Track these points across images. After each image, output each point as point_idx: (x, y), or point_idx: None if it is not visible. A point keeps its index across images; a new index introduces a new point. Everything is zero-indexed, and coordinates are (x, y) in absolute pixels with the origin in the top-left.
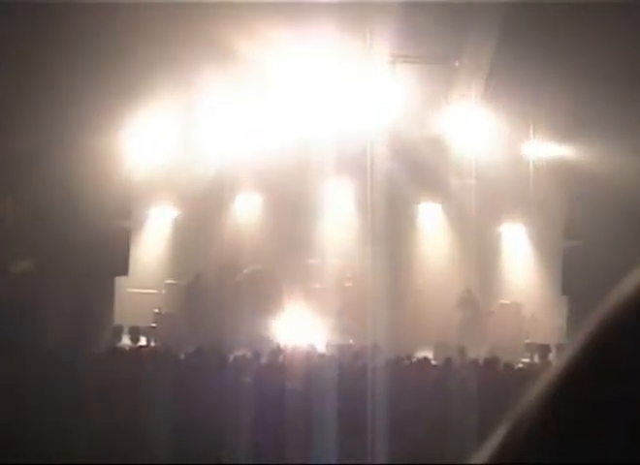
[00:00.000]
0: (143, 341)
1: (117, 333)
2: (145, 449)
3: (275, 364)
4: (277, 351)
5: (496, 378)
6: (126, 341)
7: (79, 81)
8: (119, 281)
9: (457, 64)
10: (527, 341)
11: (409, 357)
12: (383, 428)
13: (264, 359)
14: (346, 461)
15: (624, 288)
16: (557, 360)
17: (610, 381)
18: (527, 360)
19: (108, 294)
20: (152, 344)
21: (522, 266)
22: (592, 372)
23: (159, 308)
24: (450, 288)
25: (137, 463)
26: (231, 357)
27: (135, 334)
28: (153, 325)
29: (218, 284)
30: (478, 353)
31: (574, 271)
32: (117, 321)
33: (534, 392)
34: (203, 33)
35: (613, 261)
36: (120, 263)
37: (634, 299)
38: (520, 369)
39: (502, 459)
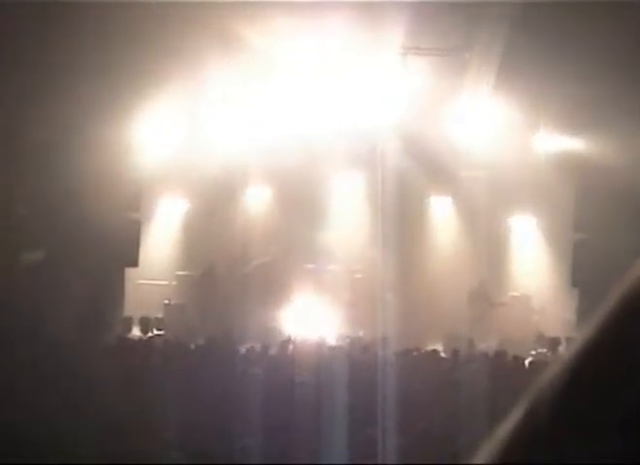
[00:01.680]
0: (153, 332)
1: (128, 324)
2: (155, 439)
3: (285, 356)
4: (287, 342)
5: (506, 370)
6: (136, 332)
7: (88, 74)
8: (130, 272)
9: (468, 56)
10: (536, 333)
11: (419, 350)
12: (393, 420)
13: (273, 351)
14: (356, 453)
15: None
16: (573, 342)
17: (628, 358)
18: (536, 353)
19: (118, 286)
20: (162, 335)
21: (532, 259)
22: (609, 350)
23: (169, 299)
24: (460, 280)
25: (146, 453)
26: (240, 349)
27: (145, 325)
28: (163, 316)
29: (228, 275)
30: (488, 345)
31: (584, 264)
32: (128, 312)
33: (551, 373)
34: (214, 25)
35: (623, 253)
36: (131, 254)
37: None
38: (530, 362)
39: (521, 440)
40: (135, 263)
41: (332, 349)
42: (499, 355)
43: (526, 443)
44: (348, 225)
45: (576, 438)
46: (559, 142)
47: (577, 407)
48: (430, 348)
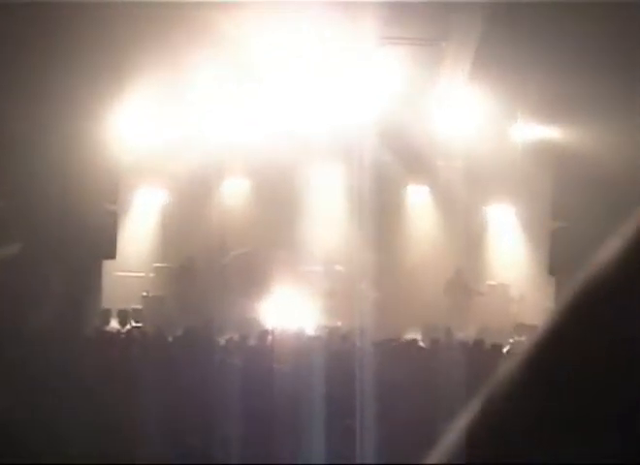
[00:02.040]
0: (131, 324)
1: (106, 317)
2: (134, 431)
3: (263, 346)
4: (265, 333)
5: (485, 359)
6: (114, 324)
7: (65, 69)
8: (107, 264)
9: (444, 45)
10: (515, 322)
11: (397, 339)
12: (371, 410)
13: (252, 342)
14: (335, 442)
15: (603, 255)
16: (533, 333)
17: (589, 346)
18: (515, 341)
19: (95, 278)
20: (141, 327)
21: (509, 247)
22: (570, 338)
23: (147, 291)
24: (438, 270)
25: (125, 446)
26: (219, 340)
27: (123, 317)
28: (141, 307)
29: (206, 267)
30: (466, 334)
31: (562, 252)
32: (105, 304)
33: (509, 365)
34: (193, 20)
35: (600, 241)
36: (108, 246)
37: (617, 263)
38: (508, 350)
39: (475, 438)
40: (112, 255)
41: (310, 339)
42: (478, 343)
43: (480, 441)
44: (326, 216)
45: (534, 436)
46: (536, 131)
47: (535, 401)
48: (408, 337)
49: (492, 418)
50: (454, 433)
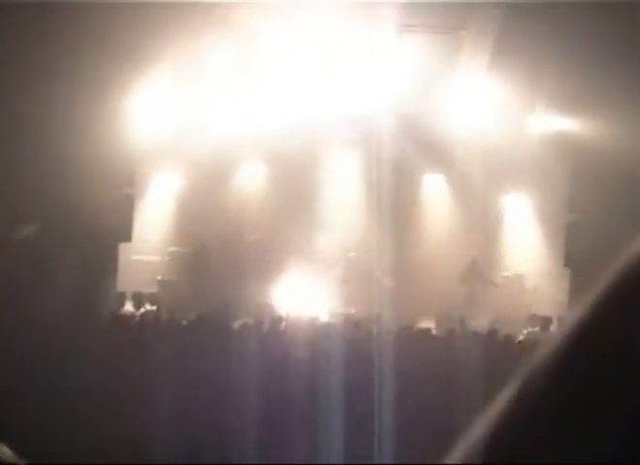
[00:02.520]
0: (145, 307)
1: (121, 300)
2: (147, 414)
3: (277, 332)
4: (279, 319)
5: (498, 349)
6: (129, 307)
7: (83, 49)
8: (123, 248)
9: (463, 34)
10: (529, 313)
11: (411, 328)
12: (385, 397)
13: (266, 327)
14: (349, 429)
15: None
16: (566, 321)
17: (624, 338)
18: (528, 332)
19: (111, 261)
20: (155, 311)
21: (525, 239)
22: (604, 330)
23: (162, 275)
24: (453, 259)
25: (139, 429)
26: (233, 325)
27: (138, 301)
28: (156, 291)
29: (222, 252)
30: (480, 324)
31: (577, 244)
32: (120, 287)
33: (541, 355)
34: (212, 9)
35: (616, 234)
36: (124, 230)
37: None
38: (521, 341)
39: (508, 427)
40: (128, 239)
41: (324, 326)
42: (491, 334)
43: (513, 431)
44: (342, 203)
45: (567, 428)
46: (554, 123)
47: (567, 394)
48: (422, 326)
49: (522, 410)
50: (484, 423)
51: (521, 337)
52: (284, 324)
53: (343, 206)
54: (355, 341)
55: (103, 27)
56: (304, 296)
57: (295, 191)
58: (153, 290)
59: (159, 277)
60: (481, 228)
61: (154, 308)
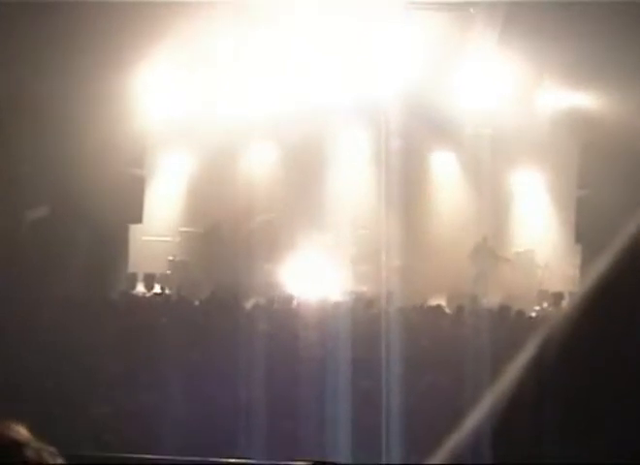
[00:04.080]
0: (157, 288)
1: (132, 280)
2: (158, 393)
3: (289, 311)
4: (290, 298)
5: (509, 326)
6: (140, 288)
7: (93, 30)
8: (134, 229)
9: (472, 11)
10: (540, 289)
11: (423, 306)
12: (397, 375)
13: (277, 306)
14: (359, 406)
15: None
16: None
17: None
18: (540, 308)
19: (122, 242)
20: (166, 291)
21: (535, 215)
22: (618, 289)
23: (173, 256)
24: (464, 236)
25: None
26: (244, 304)
27: (149, 281)
28: (167, 272)
29: (233, 232)
30: (492, 301)
31: (587, 220)
32: (132, 268)
33: (563, 312)
34: None
35: (626, 209)
36: (135, 210)
37: None
38: (533, 317)
39: (530, 377)
40: (139, 220)
41: (336, 304)
42: (503, 310)
43: (535, 380)
44: (352, 182)
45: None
46: (563, 99)
47: (584, 348)
48: (433, 304)
49: (544, 362)
50: (506, 374)
51: (533, 314)
52: (295, 302)
53: (353, 185)
54: (366, 319)
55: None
56: (314, 275)
57: (305, 170)
58: (165, 270)
59: (170, 257)
60: (491, 204)
61: (165, 289)
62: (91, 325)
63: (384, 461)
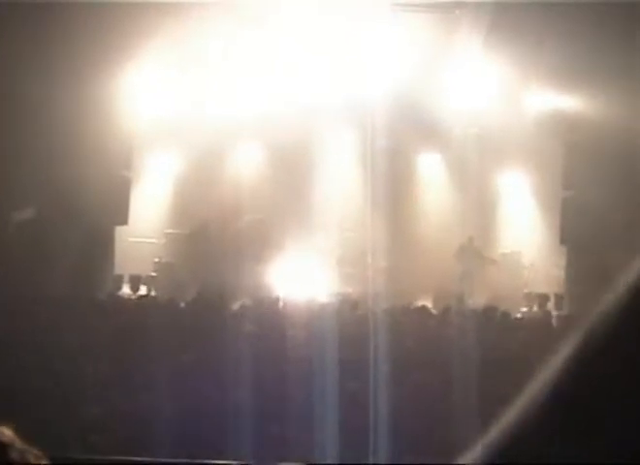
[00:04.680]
0: (143, 290)
1: (118, 282)
2: (145, 395)
3: (275, 312)
4: (277, 299)
5: (495, 326)
6: (126, 290)
7: (82, 31)
8: (120, 230)
9: (458, 13)
10: (525, 290)
11: (408, 306)
12: (383, 375)
13: (264, 308)
14: (346, 407)
15: None
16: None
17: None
18: (525, 309)
19: (108, 244)
20: (152, 293)
21: (521, 216)
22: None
23: (159, 257)
24: (449, 237)
25: (137, 407)
26: (230, 306)
27: (135, 283)
28: (153, 273)
29: (219, 233)
30: (478, 301)
31: (572, 221)
32: (118, 270)
33: (605, 305)
34: None
35: (610, 210)
36: (120, 212)
37: None
38: (518, 318)
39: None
40: (125, 222)
41: (322, 305)
42: (489, 310)
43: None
44: (339, 183)
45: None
46: (548, 100)
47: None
48: (419, 304)
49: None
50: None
51: (519, 314)
52: (282, 304)
53: (341, 186)
54: (353, 320)
55: (101, 17)
56: (301, 277)
57: (292, 171)
58: (150, 272)
59: (156, 259)
60: (477, 205)
61: (152, 290)
62: (77, 326)
63: (371, 461)
